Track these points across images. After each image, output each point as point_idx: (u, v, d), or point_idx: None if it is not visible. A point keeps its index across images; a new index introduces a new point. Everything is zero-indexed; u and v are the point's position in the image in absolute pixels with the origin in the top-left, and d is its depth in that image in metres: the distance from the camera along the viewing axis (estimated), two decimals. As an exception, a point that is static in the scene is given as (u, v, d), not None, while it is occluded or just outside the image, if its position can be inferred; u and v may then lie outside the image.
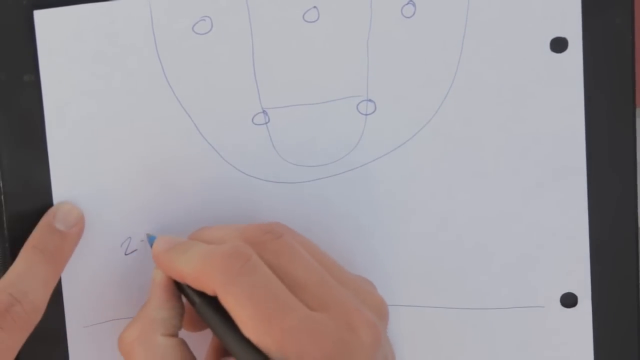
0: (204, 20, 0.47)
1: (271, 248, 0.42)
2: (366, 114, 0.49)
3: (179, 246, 0.44)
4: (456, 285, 0.50)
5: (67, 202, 0.47)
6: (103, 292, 0.48)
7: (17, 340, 0.45)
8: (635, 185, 0.50)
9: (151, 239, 0.46)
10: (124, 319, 0.48)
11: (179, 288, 0.44)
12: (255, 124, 0.48)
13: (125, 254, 0.48)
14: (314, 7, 0.47)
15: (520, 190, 0.50)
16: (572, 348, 0.50)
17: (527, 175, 0.49)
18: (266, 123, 0.48)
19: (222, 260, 0.41)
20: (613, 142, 0.49)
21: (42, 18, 0.46)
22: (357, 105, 0.48)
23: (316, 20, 0.48)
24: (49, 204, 0.47)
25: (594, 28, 0.49)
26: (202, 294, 0.42)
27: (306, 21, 0.48)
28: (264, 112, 0.48)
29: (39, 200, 0.47)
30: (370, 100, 0.48)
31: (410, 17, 0.48)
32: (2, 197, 0.47)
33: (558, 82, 0.49)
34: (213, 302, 0.42)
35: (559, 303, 0.50)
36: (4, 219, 0.47)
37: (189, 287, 0.43)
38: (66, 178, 0.47)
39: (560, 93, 0.49)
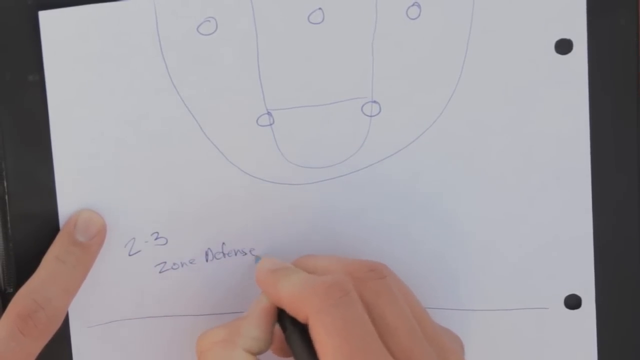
0: (208, 21, 0.47)
1: (372, 287, 0.42)
2: (371, 116, 0.48)
3: (283, 270, 0.44)
4: (460, 286, 0.50)
5: (88, 209, 0.47)
6: (107, 293, 0.48)
7: (36, 346, 0.45)
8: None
9: (257, 260, 0.46)
10: (127, 319, 0.49)
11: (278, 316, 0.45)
12: (260, 125, 0.48)
13: (129, 255, 0.48)
14: (319, 8, 0.47)
15: (525, 191, 0.49)
16: (576, 350, 0.50)
17: (531, 176, 0.49)
18: (271, 124, 0.48)
19: (321, 288, 0.41)
20: (617, 143, 0.49)
21: (47, 18, 0.46)
22: (362, 106, 0.48)
23: (321, 21, 0.48)
24: (53, 203, 0.47)
25: (599, 29, 0.49)
26: (295, 324, 0.43)
27: (311, 23, 0.48)
28: (268, 113, 0.48)
29: (43, 200, 0.47)
30: (375, 102, 0.48)
31: (416, 18, 0.48)
32: (7, 196, 0.47)
33: (563, 83, 0.49)
34: (304, 334, 0.42)
35: (563, 304, 0.50)
36: (8, 218, 0.47)
37: (286, 314, 0.43)
38: (70, 178, 0.47)
39: (565, 94, 0.49)
